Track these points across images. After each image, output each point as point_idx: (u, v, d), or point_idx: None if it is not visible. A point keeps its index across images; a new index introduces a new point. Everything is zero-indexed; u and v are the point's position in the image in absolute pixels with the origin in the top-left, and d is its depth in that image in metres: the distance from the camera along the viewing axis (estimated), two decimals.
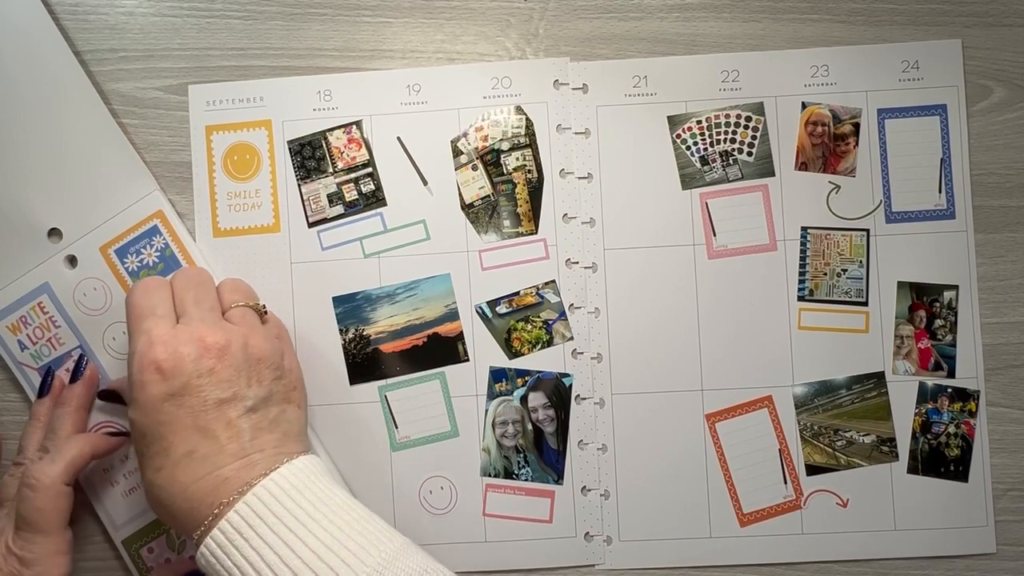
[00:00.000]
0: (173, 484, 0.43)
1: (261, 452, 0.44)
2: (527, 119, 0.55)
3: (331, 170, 0.55)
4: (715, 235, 0.55)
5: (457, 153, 0.55)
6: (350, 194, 0.55)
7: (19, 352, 0.54)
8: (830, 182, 0.55)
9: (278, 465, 0.44)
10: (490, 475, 0.54)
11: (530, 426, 0.55)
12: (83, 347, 0.54)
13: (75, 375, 0.53)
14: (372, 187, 0.55)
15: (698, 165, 0.55)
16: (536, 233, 0.55)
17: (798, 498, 0.54)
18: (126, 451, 0.54)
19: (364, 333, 0.55)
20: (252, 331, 0.47)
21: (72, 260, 0.54)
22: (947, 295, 0.55)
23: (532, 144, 0.55)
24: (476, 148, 0.55)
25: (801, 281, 0.55)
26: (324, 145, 0.55)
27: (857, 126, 0.55)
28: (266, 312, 0.51)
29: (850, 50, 0.55)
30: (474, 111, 0.55)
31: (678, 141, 0.55)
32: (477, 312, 0.55)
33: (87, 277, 0.54)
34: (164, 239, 0.54)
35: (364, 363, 0.54)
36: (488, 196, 0.55)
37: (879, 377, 0.55)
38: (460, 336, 0.55)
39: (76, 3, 0.55)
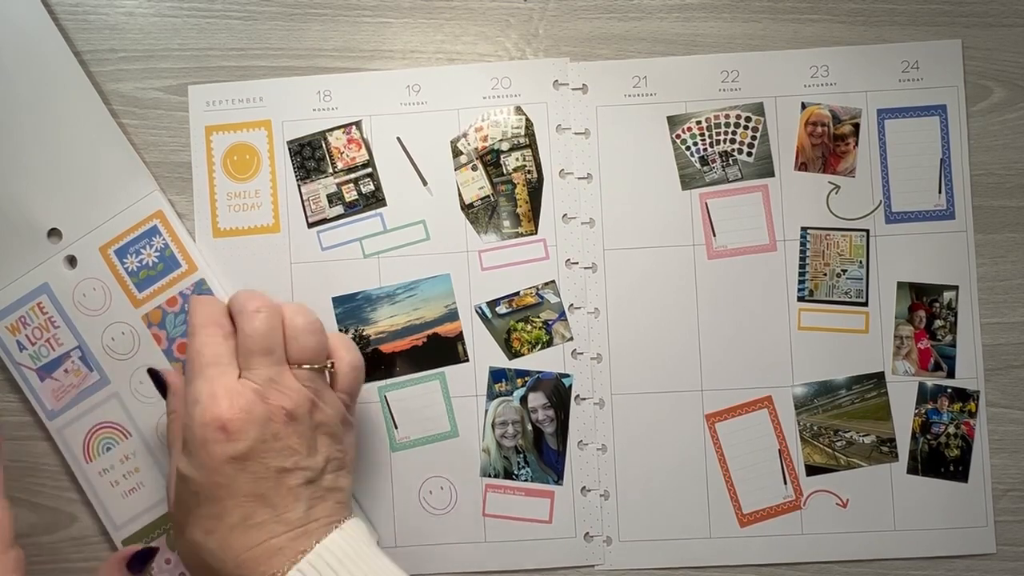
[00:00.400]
0: (225, 550, 0.42)
1: (316, 522, 0.43)
2: (527, 119, 0.55)
3: (331, 170, 0.55)
4: (715, 235, 0.55)
5: (457, 153, 0.55)
6: (350, 194, 0.55)
7: (18, 352, 0.54)
8: (830, 182, 0.55)
9: (329, 532, 0.43)
10: (490, 475, 0.54)
11: (530, 426, 0.55)
12: (82, 348, 0.54)
13: None
14: (372, 187, 0.55)
15: (698, 165, 0.55)
16: (536, 233, 0.55)
17: (798, 498, 0.54)
18: (127, 451, 0.54)
19: (364, 333, 0.55)
20: (319, 394, 0.45)
21: (72, 260, 0.54)
22: (947, 295, 0.55)
23: (532, 144, 0.55)
24: (476, 148, 0.55)
25: (801, 281, 0.55)
26: (324, 145, 0.55)
27: (857, 126, 0.55)
28: (332, 367, 0.47)
29: (850, 50, 0.55)
30: (474, 111, 0.55)
31: (678, 141, 0.55)
32: (477, 312, 0.55)
33: (86, 277, 0.54)
34: (164, 239, 0.54)
35: (364, 363, 0.54)
36: (488, 196, 0.55)
37: (879, 377, 0.55)
38: (460, 336, 0.55)
39: (76, 3, 0.55)
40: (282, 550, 0.41)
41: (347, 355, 0.48)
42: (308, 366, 0.46)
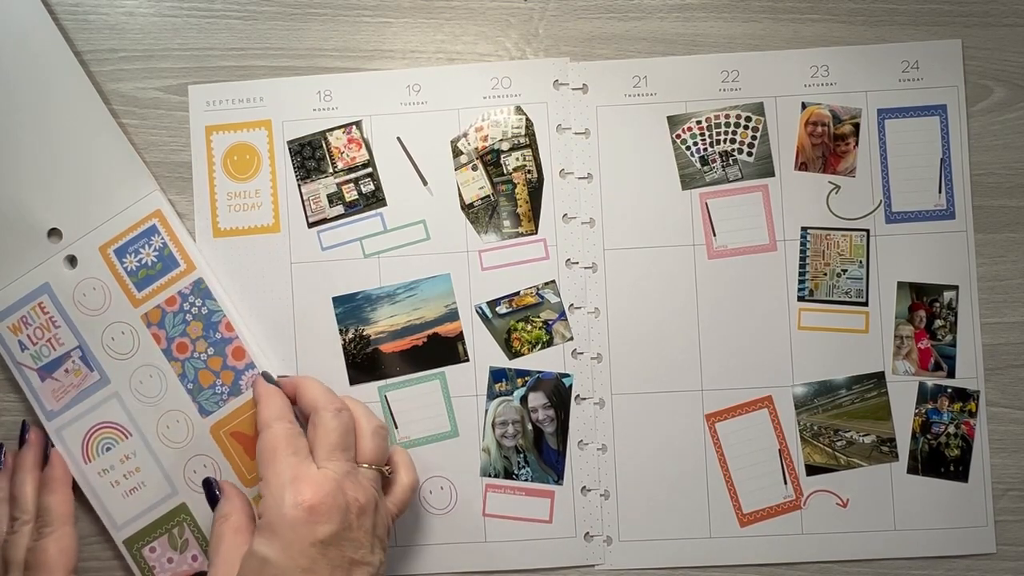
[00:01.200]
0: None
1: None
2: (527, 119, 0.55)
3: (331, 170, 0.55)
4: (715, 235, 0.55)
5: (457, 153, 0.55)
6: (350, 194, 0.55)
7: (19, 352, 0.54)
8: (830, 182, 0.55)
9: None
10: (490, 475, 0.54)
11: (530, 426, 0.55)
12: (82, 347, 0.54)
13: (21, 441, 0.53)
14: (372, 187, 0.55)
15: (698, 165, 0.55)
16: (536, 233, 0.55)
17: (798, 498, 0.54)
18: (127, 451, 0.54)
19: (364, 333, 0.55)
20: (379, 499, 0.47)
21: (72, 260, 0.54)
22: (947, 295, 0.55)
23: (532, 144, 0.55)
24: (476, 148, 0.55)
25: (801, 281, 0.55)
26: (324, 145, 0.55)
27: (857, 126, 0.55)
28: (390, 474, 0.50)
29: (850, 50, 0.55)
30: (474, 111, 0.55)
31: (678, 141, 0.55)
32: (477, 312, 0.55)
33: (87, 277, 0.54)
34: (162, 238, 0.54)
35: (364, 363, 0.54)
36: (488, 196, 0.55)
37: (879, 377, 0.55)
38: (460, 336, 0.55)
39: (76, 3, 0.55)
40: None
41: (408, 474, 0.51)
42: (375, 467, 0.48)
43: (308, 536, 0.43)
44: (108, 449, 0.53)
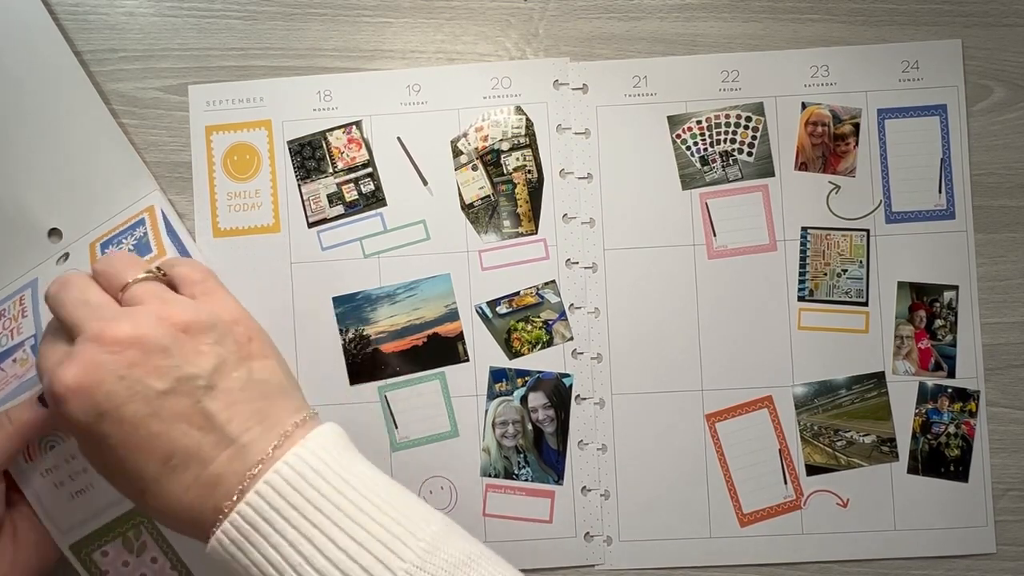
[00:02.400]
0: (166, 502, 0.38)
1: (248, 432, 0.38)
2: (527, 119, 0.55)
3: (331, 170, 0.55)
4: (715, 235, 0.55)
5: (457, 153, 0.55)
6: (350, 194, 0.55)
7: None
8: (830, 182, 0.55)
9: (277, 444, 0.38)
10: (490, 475, 0.54)
11: (530, 426, 0.55)
12: (36, 336, 0.51)
13: None
14: (372, 187, 0.55)
15: (698, 165, 0.55)
16: (536, 233, 0.55)
17: (798, 498, 0.54)
18: (72, 450, 0.49)
19: (364, 333, 0.55)
20: (163, 303, 0.40)
21: (66, 257, 0.53)
22: (947, 295, 0.55)
23: (532, 144, 0.55)
24: (476, 148, 0.55)
25: (801, 281, 0.55)
26: (324, 145, 0.55)
27: (857, 126, 0.55)
28: (164, 274, 0.44)
29: (850, 50, 0.55)
30: (474, 111, 0.55)
31: (678, 141, 0.55)
32: (477, 312, 0.55)
33: (68, 270, 0.52)
34: (144, 229, 0.52)
35: (364, 363, 0.54)
36: (488, 196, 0.55)
37: (879, 377, 0.55)
38: (460, 336, 0.55)
39: (76, 3, 0.55)
40: (222, 477, 0.37)
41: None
42: (138, 279, 0.42)
43: (84, 422, 0.38)
44: (52, 447, 0.50)
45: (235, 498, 0.37)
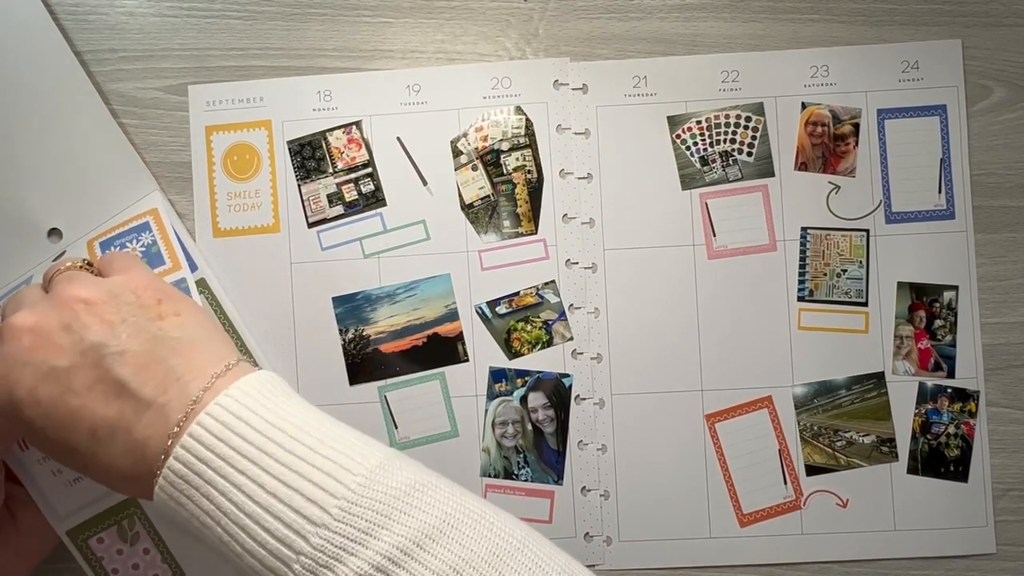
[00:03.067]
0: (106, 472, 0.38)
1: (164, 393, 0.38)
2: (527, 119, 0.55)
3: (331, 170, 0.55)
4: (715, 235, 0.55)
5: (457, 153, 0.55)
6: (350, 194, 0.55)
7: None
8: (830, 182, 0.55)
9: (196, 399, 0.37)
10: (490, 475, 0.54)
11: (530, 426, 0.55)
12: None
13: None
14: (372, 187, 0.55)
15: (698, 165, 0.55)
16: (536, 233, 0.55)
17: (798, 498, 0.54)
18: None
19: (364, 333, 0.55)
20: (69, 283, 0.41)
21: (62, 255, 0.53)
22: (947, 295, 0.55)
23: (532, 144, 0.55)
24: (476, 148, 0.55)
25: (801, 281, 0.55)
26: (324, 145, 0.55)
27: (857, 126, 0.55)
28: (90, 265, 0.45)
29: (850, 50, 0.55)
30: (474, 111, 0.55)
31: (678, 141, 0.55)
32: (477, 312, 0.55)
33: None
34: (152, 235, 0.53)
35: (364, 363, 0.54)
36: (488, 196, 0.55)
37: (879, 377, 0.55)
38: (460, 336, 0.55)
39: (76, 3, 0.55)
40: (148, 440, 0.37)
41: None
42: (58, 270, 0.44)
43: None
44: None
45: (163, 458, 0.36)
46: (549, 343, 0.55)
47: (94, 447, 0.38)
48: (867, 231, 0.55)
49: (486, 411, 0.55)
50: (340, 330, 0.54)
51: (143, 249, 0.53)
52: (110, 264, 0.45)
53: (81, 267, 0.44)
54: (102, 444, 0.38)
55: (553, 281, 0.55)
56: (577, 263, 0.55)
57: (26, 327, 0.39)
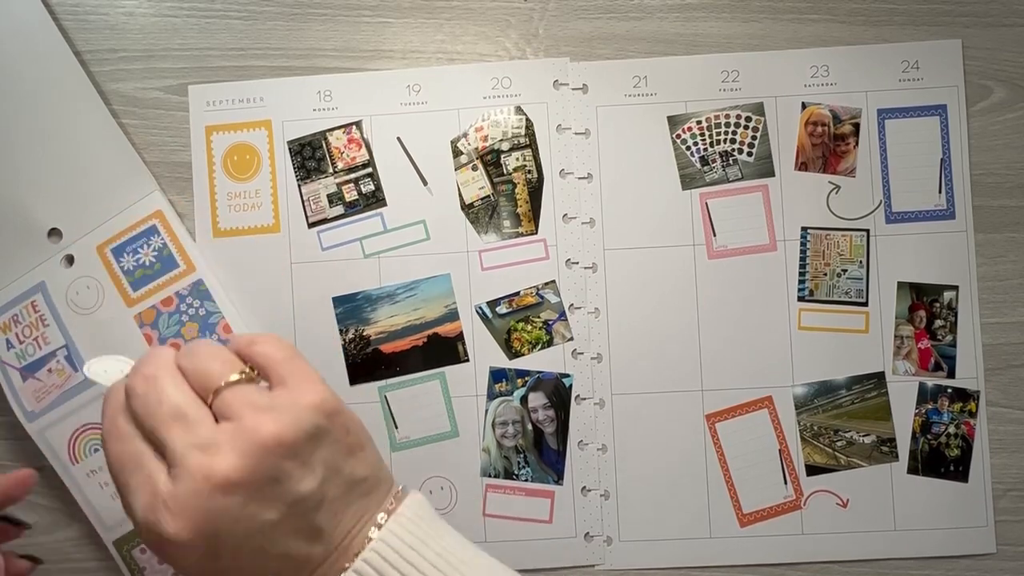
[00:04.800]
0: None
1: (350, 534, 0.38)
2: (527, 119, 0.55)
3: (331, 170, 0.55)
4: (715, 235, 0.55)
5: (457, 153, 0.55)
6: (350, 194, 0.55)
7: (4, 351, 0.53)
8: (830, 182, 0.55)
9: (371, 536, 0.37)
10: (490, 475, 0.54)
11: (530, 426, 0.54)
12: (68, 347, 0.53)
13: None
14: (372, 187, 0.55)
15: (698, 165, 0.55)
16: (536, 233, 0.55)
17: (798, 498, 0.54)
18: None
19: (364, 333, 0.54)
20: (256, 415, 0.36)
21: (70, 259, 0.54)
22: (947, 295, 0.55)
23: (532, 144, 0.55)
24: (476, 148, 0.55)
25: (801, 281, 0.55)
26: (324, 145, 0.55)
27: (857, 126, 0.55)
28: (252, 368, 0.39)
29: (850, 50, 0.55)
30: (474, 111, 0.55)
31: (678, 141, 0.55)
32: (477, 312, 0.55)
33: (81, 276, 0.54)
34: (162, 239, 0.54)
35: (364, 363, 0.54)
36: (488, 196, 0.55)
37: (879, 377, 0.55)
38: (460, 336, 0.55)
39: (76, 3, 0.55)
40: (327, 573, 0.37)
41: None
42: (230, 380, 0.38)
43: (195, 566, 0.37)
44: (96, 450, 0.53)
45: None
46: (549, 343, 0.55)
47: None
48: (867, 231, 0.55)
49: (486, 411, 0.54)
50: (340, 330, 0.54)
51: (155, 253, 0.53)
52: (272, 364, 0.39)
53: (245, 375, 0.38)
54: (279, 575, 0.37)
55: (553, 281, 0.55)
56: (577, 263, 0.55)
57: (239, 480, 0.35)
